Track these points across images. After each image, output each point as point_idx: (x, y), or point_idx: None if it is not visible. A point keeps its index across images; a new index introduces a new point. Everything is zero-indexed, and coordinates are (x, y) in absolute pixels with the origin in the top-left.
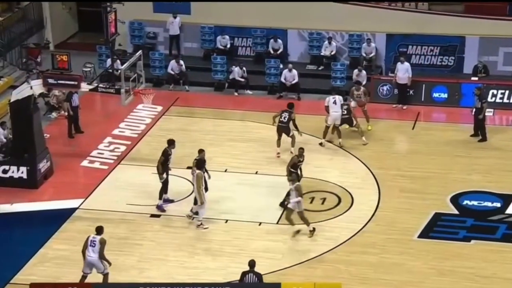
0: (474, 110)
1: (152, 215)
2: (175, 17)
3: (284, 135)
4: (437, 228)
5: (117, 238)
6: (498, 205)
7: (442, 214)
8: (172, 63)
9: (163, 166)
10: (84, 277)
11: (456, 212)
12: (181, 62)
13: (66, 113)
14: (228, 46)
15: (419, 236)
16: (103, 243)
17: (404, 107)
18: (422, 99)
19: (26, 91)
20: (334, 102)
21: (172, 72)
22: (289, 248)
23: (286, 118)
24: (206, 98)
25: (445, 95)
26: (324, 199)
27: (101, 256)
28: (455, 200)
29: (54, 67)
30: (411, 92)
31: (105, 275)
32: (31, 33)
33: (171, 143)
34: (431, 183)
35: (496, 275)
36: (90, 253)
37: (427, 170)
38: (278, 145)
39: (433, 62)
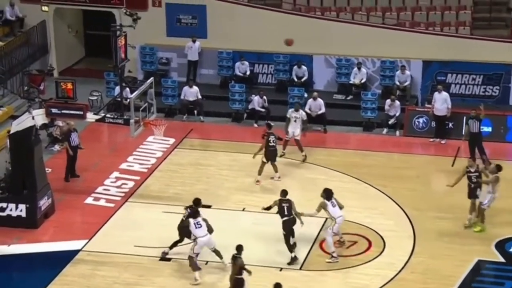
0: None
1: (162, 259)
2: (194, 41)
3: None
4: (480, 277)
5: (124, 283)
6: None
7: (486, 261)
8: (186, 89)
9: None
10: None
11: (502, 259)
12: (195, 87)
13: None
14: (248, 73)
15: (460, 286)
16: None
17: (443, 142)
18: (463, 133)
19: (28, 122)
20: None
21: (186, 100)
22: None
23: (275, 141)
24: (222, 130)
25: (489, 129)
26: (353, 243)
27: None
28: (501, 246)
29: (58, 95)
30: (450, 125)
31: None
32: (34, 59)
33: (285, 194)
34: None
35: None
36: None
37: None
38: (261, 172)
39: (475, 92)
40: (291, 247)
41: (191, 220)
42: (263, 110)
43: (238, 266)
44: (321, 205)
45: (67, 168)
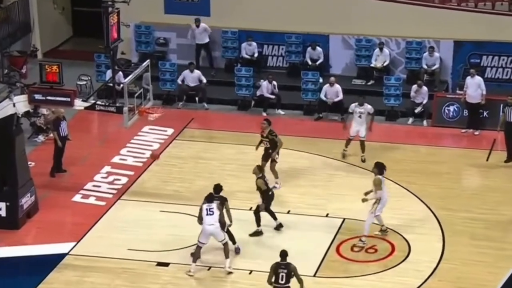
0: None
1: (159, 263)
2: (197, 25)
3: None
4: None
5: None
6: None
7: None
8: (186, 73)
9: None
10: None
11: None
12: (197, 71)
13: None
14: (256, 55)
15: None
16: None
17: (476, 133)
18: (499, 123)
19: (8, 109)
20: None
21: (186, 85)
22: None
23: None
24: (227, 119)
25: None
26: (373, 247)
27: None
28: None
29: (42, 80)
30: (485, 113)
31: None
32: (15, 38)
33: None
34: None
35: None
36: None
37: (505, 212)
38: (277, 174)
39: None
40: (274, 215)
41: (204, 206)
42: (272, 97)
43: (294, 270)
44: (376, 183)
45: (54, 162)
